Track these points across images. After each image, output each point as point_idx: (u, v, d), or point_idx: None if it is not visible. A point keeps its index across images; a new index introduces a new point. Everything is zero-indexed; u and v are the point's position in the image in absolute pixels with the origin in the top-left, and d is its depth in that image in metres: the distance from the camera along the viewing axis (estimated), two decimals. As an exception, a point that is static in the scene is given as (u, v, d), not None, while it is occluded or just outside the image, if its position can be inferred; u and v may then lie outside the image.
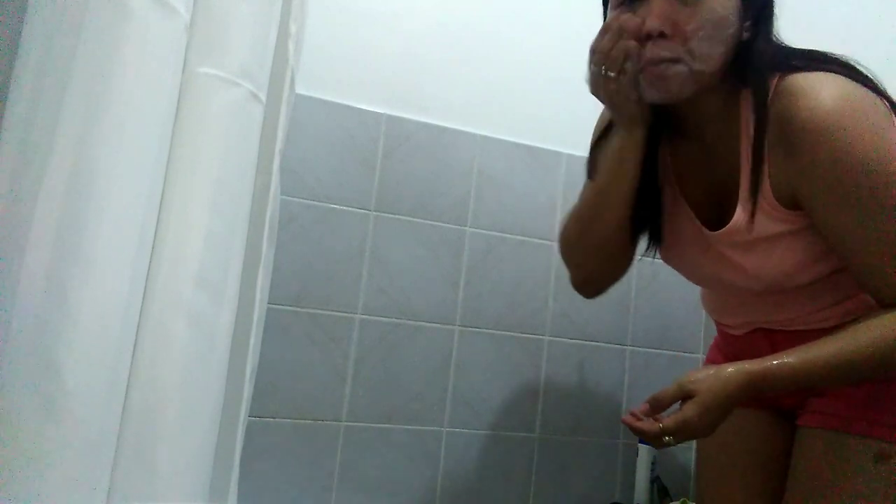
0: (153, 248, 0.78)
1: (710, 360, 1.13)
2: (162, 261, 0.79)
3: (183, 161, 0.80)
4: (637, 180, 0.90)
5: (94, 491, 0.71)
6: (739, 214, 0.85)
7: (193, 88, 0.81)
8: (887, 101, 0.81)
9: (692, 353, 1.55)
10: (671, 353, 1.53)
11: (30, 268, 0.68)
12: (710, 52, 0.80)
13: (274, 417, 1.25)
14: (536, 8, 1.50)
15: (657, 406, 0.82)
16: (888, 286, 0.77)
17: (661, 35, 0.79)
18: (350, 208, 1.33)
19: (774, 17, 0.87)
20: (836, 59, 0.84)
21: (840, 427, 0.84)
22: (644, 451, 1.37)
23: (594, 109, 1.36)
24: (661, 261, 1.29)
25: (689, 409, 0.79)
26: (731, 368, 0.80)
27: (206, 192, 0.82)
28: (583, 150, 1.49)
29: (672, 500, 1.35)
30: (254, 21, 0.87)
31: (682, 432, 0.80)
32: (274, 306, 1.21)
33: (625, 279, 1.54)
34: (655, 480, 1.36)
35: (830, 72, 0.81)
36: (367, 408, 1.31)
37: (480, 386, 1.39)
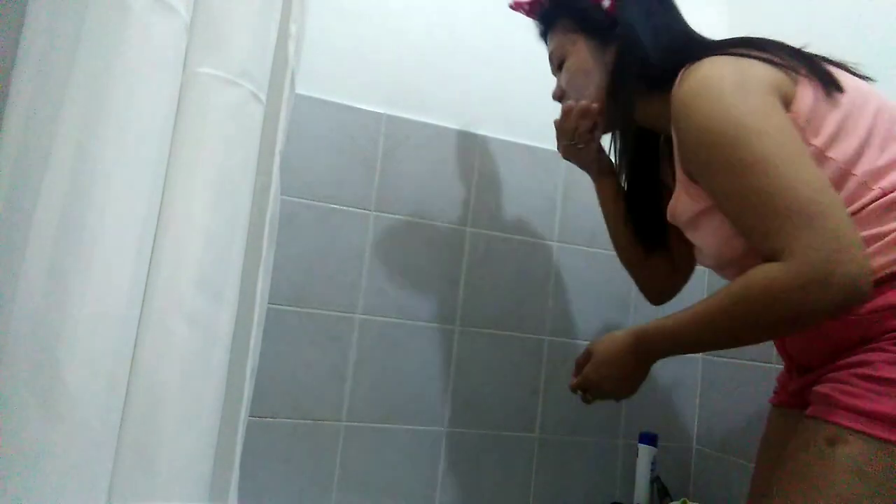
0: (153, 248, 0.78)
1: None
2: (162, 261, 0.78)
3: (183, 161, 0.80)
4: (621, 212, 1.15)
5: (94, 491, 0.71)
6: (674, 197, 0.96)
7: (193, 88, 0.81)
8: (787, 69, 0.83)
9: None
10: (671, 353, 1.53)
11: (30, 268, 0.68)
12: (583, 94, 1.06)
13: (274, 417, 1.25)
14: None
15: (575, 369, 1.03)
16: (761, 240, 0.78)
17: (560, 98, 1.11)
18: (350, 208, 1.33)
19: (635, 38, 0.98)
20: (740, 40, 0.90)
21: (810, 412, 0.82)
22: (644, 451, 1.37)
23: (594, 109, 1.36)
24: (661, 261, 1.29)
25: (588, 367, 0.99)
26: (621, 332, 0.97)
27: (206, 192, 0.82)
28: (583, 150, 1.49)
29: (672, 500, 1.35)
30: (254, 21, 0.87)
31: (583, 385, 1.00)
32: (274, 306, 1.21)
33: (625, 279, 1.55)
34: (655, 480, 1.36)
35: (726, 55, 0.86)
36: (367, 408, 1.31)
37: (480, 386, 1.39)
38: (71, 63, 0.71)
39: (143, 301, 0.77)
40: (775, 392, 1.08)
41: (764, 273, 0.77)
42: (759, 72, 0.83)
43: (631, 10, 1.00)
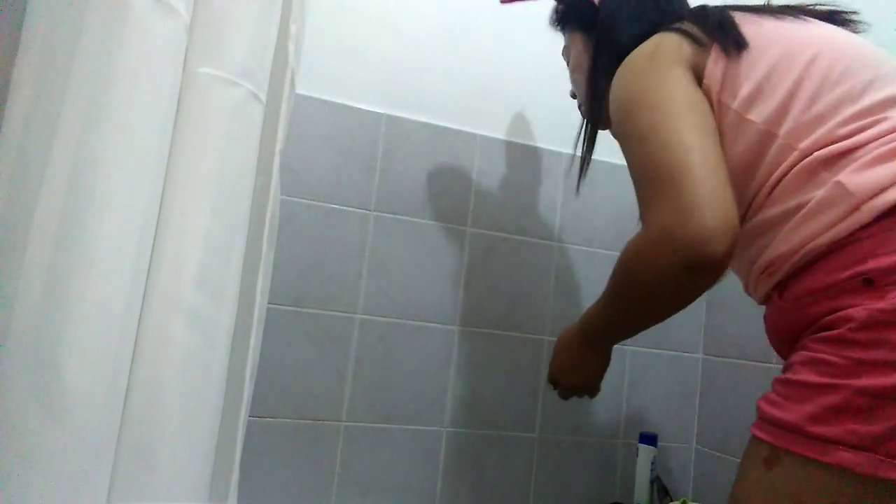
0: (153, 248, 0.78)
1: None
2: (162, 261, 0.78)
3: (183, 161, 0.80)
4: None
5: (94, 491, 0.71)
6: None
7: (193, 88, 0.81)
8: (698, 39, 0.80)
9: (692, 353, 1.55)
10: (671, 353, 1.53)
11: (30, 268, 0.68)
12: (580, 86, 1.09)
13: (274, 417, 1.25)
14: (537, 8, 1.50)
15: None
16: (639, 212, 0.76)
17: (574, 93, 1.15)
18: (350, 208, 1.33)
19: (612, 21, 0.99)
20: (688, 11, 0.92)
21: (752, 429, 0.74)
22: (644, 451, 1.37)
23: (594, 109, 1.36)
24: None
25: (550, 361, 1.08)
26: (571, 326, 1.04)
27: (206, 193, 0.82)
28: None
29: (672, 500, 1.35)
30: (254, 21, 0.87)
31: (550, 379, 1.08)
32: (274, 306, 1.21)
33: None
34: (655, 480, 1.36)
35: (668, 30, 0.85)
36: (367, 408, 1.32)
37: (480, 386, 1.39)
38: (71, 63, 0.71)
39: (143, 301, 0.77)
40: None
41: (631, 243, 0.76)
42: (669, 46, 0.81)
43: (612, 2, 0.99)
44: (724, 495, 1.38)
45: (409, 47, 1.40)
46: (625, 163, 0.81)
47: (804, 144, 0.71)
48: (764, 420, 0.70)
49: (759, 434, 0.70)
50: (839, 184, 0.67)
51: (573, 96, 1.16)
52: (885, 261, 0.63)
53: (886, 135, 0.68)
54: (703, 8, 0.87)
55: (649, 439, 1.37)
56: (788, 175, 0.72)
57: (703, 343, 1.56)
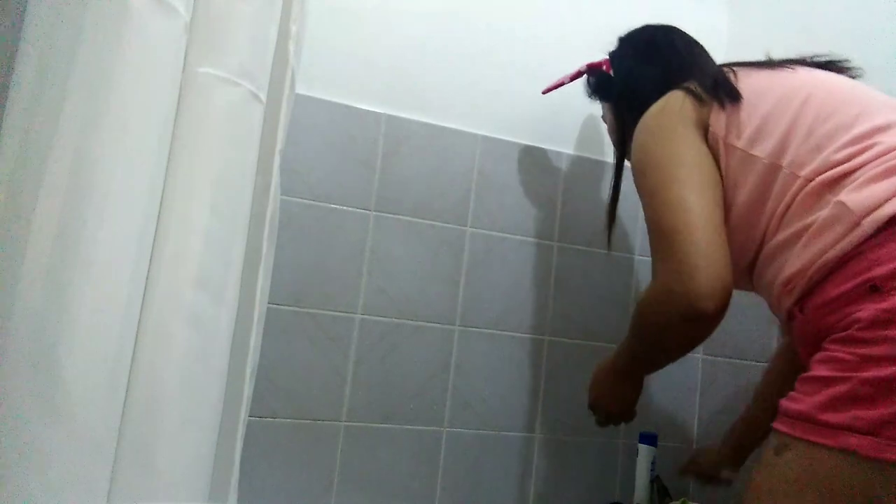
0: (153, 248, 0.78)
1: None
2: (162, 261, 0.78)
3: (183, 161, 0.80)
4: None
5: (94, 491, 0.71)
6: None
7: (193, 88, 0.81)
8: (700, 96, 0.91)
9: (692, 353, 1.55)
10: (671, 353, 1.53)
11: (30, 268, 0.68)
12: (612, 130, 1.25)
13: (274, 417, 1.25)
14: (537, 8, 1.50)
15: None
16: (652, 262, 0.90)
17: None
18: (350, 208, 1.33)
19: (623, 90, 1.16)
20: (692, 71, 1.01)
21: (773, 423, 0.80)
22: (644, 450, 1.37)
23: (594, 110, 1.36)
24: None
25: (589, 388, 1.16)
26: (606, 358, 1.12)
27: (206, 192, 0.82)
28: (582, 150, 1.49)
29: (672, 500, 1.35)
30: (254, 21, 0.87)
31: (590, 405, 1.17)
32: (274, 306, 1.21)
33: (625, 279, 1.55)
34: (655, 480, 1.36)
35: (676, 88, 0.95)
36: (367, 408, 1.31)
37: (480, 386, 1.39)
38: (71, 63, 0.71)
39: (143, 301, 0.77)
40: None
41: (643, 294, 0.91)
42: (675, 105, 0.93)
43: (620, 67, 1.18)
44: (724, 495, 1.38)
45: (409, 47, 1.40)
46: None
47: (806, 171, 0.79)
48: (781, 414, 0.76)
49: (776, 426, 0.76)
50: (840, 203, 0.74)
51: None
52: (888, 267, 0.70)
53: (878, 157, 0.76)
54: (701, 69, 1.00)
55: (649, 439, 1.37)
56: (796, 200, 0.80)
57: (703, 343, 1.55)
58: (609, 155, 1.34)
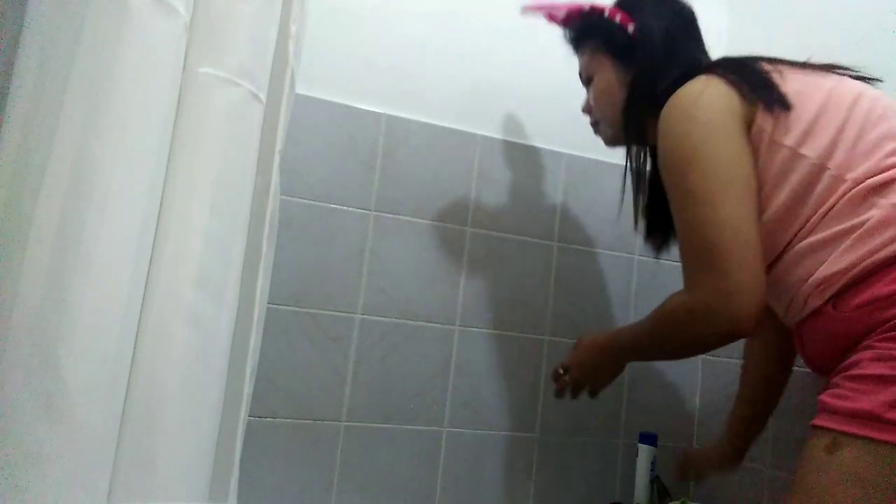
0: (153, 248, 0.78)
1: None
2: (162, 261, 0.78)
3: (183, 161, 0.80)
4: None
5: (94, 491, 0.71)
6: None
7: (193, 88, 0.81)
8: (746, 91, 0.88)
9: (692, 353, 1.55)
10: (671, 353, 1.53)
11: (30, 268, 0.68)
12: (606, 113, 1.12)
13: (274, 417, 1.25)
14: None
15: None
16: (682, 267, 0.89)
17: (588, 112, 1.19)
18: (350, 208, 1.33)
19: (653, 59, 1.04)
20: (722, 60, 0.96)
21: (811, 422, 0.81)
22: (644, 450, 1.37)
23: (594, 109, 1.36)
24: (661, 261, 1.29)
25: (573, 352, 1.15)
26: (606, 331, 1.11)
27: (206, 192, 0.82)
28: (582, 150, 1.49)
29: (672, 500, 1.35)
30: (254, 21, 0.87)
31: (566, 366, 1.15)
32: (274, 306, 1.21)
33: (625, 279, 1.55)
34: (655, 480, 1.36)
35: (710, 74, 0.91)
36: (367, 408, 1.31)
37: (480, 386, 1.39)
38: (71, 63, 0.71)
39: (143, 301, 0.77)
40: None
41: (673, 302, 0.90)
42: (718, 94, 0.89)
43: (652, 38, 1.04)
44: (723, 495, 1.38)
45: (409, 47, 1.40)
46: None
47: (854, 175, 0.81)
48: (833, 412, 0.77)
49: (827, 424, 0.76)
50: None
51: (587, 112, 1.19)
52: None
53: None
54: (740, 62, 0.94)
55: (649, 439, 1.37)
56: (840, 202, 0.81)
57: (703, 343, 1.56)
58: (609, 155, 1.33)
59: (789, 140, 0.85)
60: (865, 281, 0.78)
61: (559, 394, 1.17)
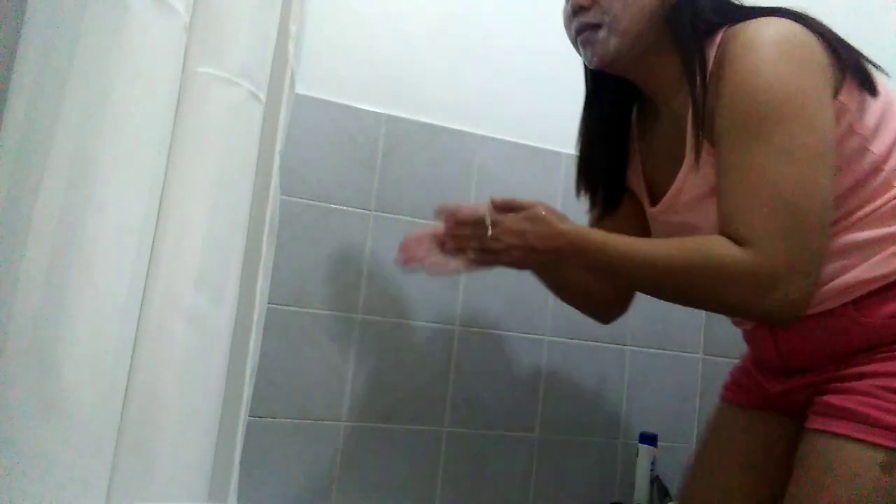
0: (153, 248, 0.78)
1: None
2: (162, 261, 0.78)
3: (183, 161, 0.80)
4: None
5: (94, 491, 0.71)
6: (681, 174, 0.88)
7: (193, 88, 0.81)
8: (839, 56, 0.80)
9: (692, 353, 1.55)
10: (671, 353, 1.53)
11: (30, 268, 0.68)
12: (623, 14, 0.85)
13: (274, 417, 1.25)
14: (537, 8, 1.50)
15: (505, 206, 0.88)
16: (737, 220, 0.75)
17: (582, 7, 0.89)
18: (350, 208, 1.33)
19: None
20: (789, 9, 0.84)
21: (844, 432, 0.77)
22: (644, 450, 1.37)
23: (594, 109, 1.36)
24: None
25: (519, 213, 0.86)
26: (570, 222, 0.85)
27: (206, 192, 0.82)
28: (583, 150, 1.49)
29: (672, 500, 1.35)
30: (254, 21, 0.87)
31: (499, 223, 0.86)
32: (274, 306, 1.21)
33: (625, 279, 1.53)
34: (655, 480, 1.36)
35: (780, 17, 0.81)
36: (367, 408, 1.31)
37: (480, 386, 1.39)
38: (70, 63, 0.71)
39: (143, 301, 0.77)
40: (730, 388, 1.06)
41: (726, 253, 0.74)
42: (808, 45, 0.78)
43: None
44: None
45: (409, 47, 1.40)
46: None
47: None
48: (881, 427, 0.74)
49: (876, 439, 0.74)
50: None
51: (582, 6, 0.89)
52: None
53: None
54: (822, 24, 0.83)
55: (649, 439, 1.37)
56: (887, 206, 0.79)
57: (703, 343, 1.55)
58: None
59: (864, 130, 0.79)
60: (892, 289, 0.78)
61: (457, 249, 0.91)
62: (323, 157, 1.32)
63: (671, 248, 0.79)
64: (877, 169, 0.80)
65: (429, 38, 1.41)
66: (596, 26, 0.88)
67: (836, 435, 0.77)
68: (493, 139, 1.44)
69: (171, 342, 0.78)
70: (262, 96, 0.89)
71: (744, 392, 1.03)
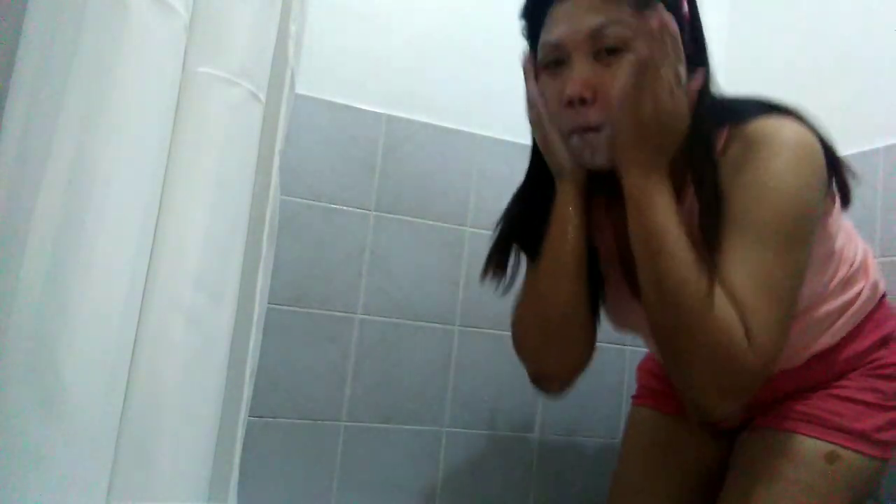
0: (153, 248, 0.78)
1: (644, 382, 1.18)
2: (161, 261, 0.78)
3: (183, 161, 0.80)
4: (584, 238, 0.85)
5: (94, 491, 0.71)
6: None
7: (193, 88, 0.81)
8: (828, 155, 0.81)
9: (692, 353, 1.55)
10: (671, 353, 1.53)
11: (30, 268, 0.68)
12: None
13: (274, 417, 1.25)
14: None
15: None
16: (756, 325, 0.72)
17: (583, 101, 0.77)
18: (350, 208, 1.33)
19: (711, 70, 0.83)
20: (789, 108, 0.83)
21: (791, 428, 0.90)
22: (644, 451, 1.37)
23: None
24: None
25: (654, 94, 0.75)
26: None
27: (206, 192, 0.82)
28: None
29: (672, 500, 1.35)
30: (254, 21, 0.87)
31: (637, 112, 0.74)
32: (274, 306, 1.21)
33: (625, 279, 1.53)
34: (655, 480, 1.36)
35: (783, 115, 0.81)
36: (367, 408, 1.31)
37: (480, 386, 1.39)
38: (70, 63, 0.71)
39: (143, 301, 0.77)
40: (645, 395, 1.13)
41: (740, 340, 0.71)
42: (818, 159, 0.79)
43: (703, 34, 0.84)
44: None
45: (409, 47, 1.40)
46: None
47: (847, 263, 0.92)
48: (827, 426, 0.89)
49: (823, 436, 0.88)
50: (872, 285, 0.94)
51: (585, 100, 0.78)
52: (894, 329, 0.97)
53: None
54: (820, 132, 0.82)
55: (649, 439, 1.37)
56: (838, 282, 0.90)
57: (703, 343, 1.56)
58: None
59: (832, 228, 0.86)
60: (848, 338, 0.92)
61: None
62: (323, 157, 1.32)
63: (694, 276, 0.73)
64: (833, 254, 0.88)
65: (429, 38, 1.42)
66: (595, 128, 0.79)
67: (786, 430, 0.90)
68: (493, 139, 1.44)
69: (171, 342, 0.78)
70: (262, 96, 0.89)
71: (660, 398, 1.09)
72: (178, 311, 0.79)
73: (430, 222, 1.39)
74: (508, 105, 1.47)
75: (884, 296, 0.97)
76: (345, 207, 1.33)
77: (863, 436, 0.88)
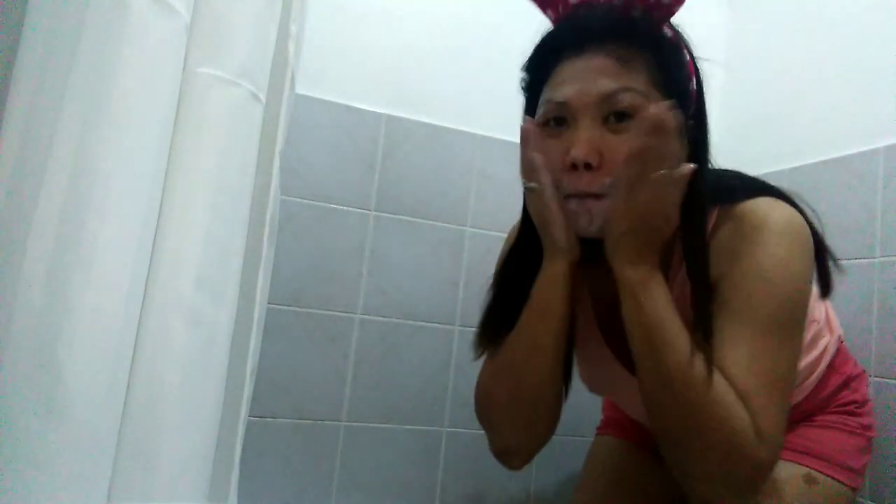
0: (153, 248, 0.78)
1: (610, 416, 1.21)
2: (162, 261, 0.78)
3: (183, 161, 0.80)
4: (568, 319, 0.81)
5: (94, 491, 0.71)
6: None
7: (193, 88, 0.81)
8: (815, 238, 0.81)
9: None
10: (671, 353, 1.53)
11: (30, 268, 0.68)
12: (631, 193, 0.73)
13: (274, 417, 1.25)
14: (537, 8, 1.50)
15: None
16: (763, 418, 0.70)
17: (587, 166, 0.74)
18: (350, 208, 1.33)
19: (708, 142, 0.80)
20: (777, 189, 0.83)
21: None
22: (644, 451, 1.37)
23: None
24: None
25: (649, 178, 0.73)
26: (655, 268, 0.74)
27: (206, 193, 0.82)
28: (583, 150, 1.49)
29: (672, 500, 1.35)
30: (254, 21, 0.87)
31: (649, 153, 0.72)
32: (274, 306, 1.22)
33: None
34: (655, 480, 1.36)
35: (771, 196, 0.80)
36: (367, 408, 1.32)
37: (480, 386, 1.39)
38: (71, 63, 0.71)
39: (143, 301, 0.77)
40: (610, 425, 1.18)
41: (749, 434, 0.69)
42: (811, 241, 0.79)
43: (702, 103, 0.80)
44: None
45: (409, 47, 1.40)
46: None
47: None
48: (803, 452, 0.96)
49: (800, 460, 0.95)
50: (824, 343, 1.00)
51: (591, 166, 0.74)
52: (851, 370, 1.04)
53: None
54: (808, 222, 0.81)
55: (649, 439, 1.37)
56: (808, 338, 0.96)
57: (703, 343, 1.56)
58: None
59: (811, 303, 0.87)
60: (815, 389, 0.99)
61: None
62: (323, 157, 1.32)
63: (696, 367, 0.70)
64: (808, 319, 0.88)
65: (429, 38, 1.42)
66: (597, 197, 0.75)
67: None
68: (493, 139, 1.44)
69: (171, 342, 0.78)
70: (262, 96, 0.89)
71: (627, 429, 1.13)
72: (178, 311, 0.79)
73: (430, 222, 1.39)
74: (508, 105, 1.47)
75: (842, 341, 1.05)
76: (345, 207, 1.33)
77: (836, 462, 0.95)
